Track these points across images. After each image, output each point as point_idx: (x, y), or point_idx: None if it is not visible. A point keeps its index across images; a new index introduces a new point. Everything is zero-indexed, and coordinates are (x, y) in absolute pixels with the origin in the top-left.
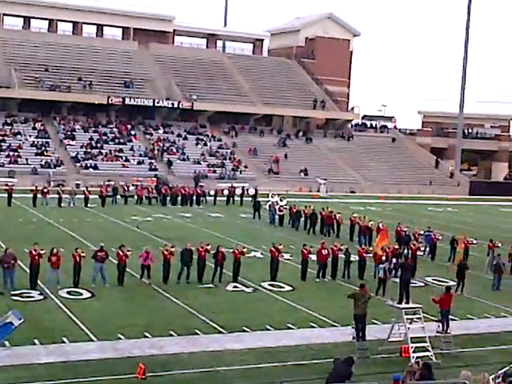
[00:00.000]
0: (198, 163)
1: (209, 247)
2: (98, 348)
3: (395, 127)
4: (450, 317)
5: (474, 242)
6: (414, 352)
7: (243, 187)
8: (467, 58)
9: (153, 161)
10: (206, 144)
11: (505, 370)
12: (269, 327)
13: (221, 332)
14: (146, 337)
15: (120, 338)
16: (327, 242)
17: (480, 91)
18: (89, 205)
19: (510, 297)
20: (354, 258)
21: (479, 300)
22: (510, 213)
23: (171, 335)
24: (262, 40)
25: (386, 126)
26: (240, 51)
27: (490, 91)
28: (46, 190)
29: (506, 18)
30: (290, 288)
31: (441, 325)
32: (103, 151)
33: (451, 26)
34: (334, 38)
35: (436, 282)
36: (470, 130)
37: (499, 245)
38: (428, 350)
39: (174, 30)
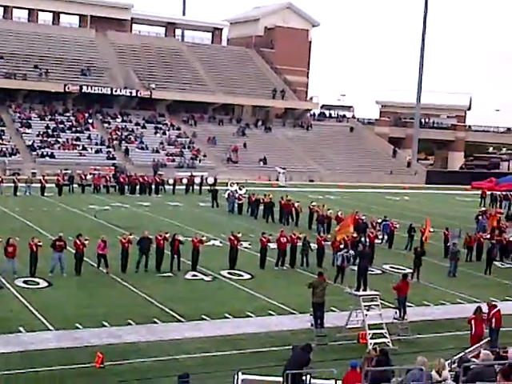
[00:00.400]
0: (157, 152)
1: (167, 235)
2: (55, 337)
3: (354, 117)
4: (407, 303)
5: (431, 230)
6: (371, 338)
7: (202, 176)
8: (424, 49)
9: (111, 149)
10: (164, 133)
11: (460, 355)
12: (228, 315)
13: (180, 321)
14: (104, 326)
15: (78, 328)
16: (286, 230)
17: (437, 82)
18: (45, 194)
19: (465, 283)
20: (313, 246)
21: (435, 287)
22: (466, 201)
23: (129, 324)
24: (221, 29)
25: (344, 116)
26: (199, 40)
27: (447, 82)
28: (0, 179)
29: (462, 10)
30: (249, 276)
31: (398, 311)
32: (60, 140)
33: (409, 16)
34: (293, 27)
35: (393, 269)
36: (426, 120)
37: (455, 232)
38: (385, 337)
39: (132, 18)
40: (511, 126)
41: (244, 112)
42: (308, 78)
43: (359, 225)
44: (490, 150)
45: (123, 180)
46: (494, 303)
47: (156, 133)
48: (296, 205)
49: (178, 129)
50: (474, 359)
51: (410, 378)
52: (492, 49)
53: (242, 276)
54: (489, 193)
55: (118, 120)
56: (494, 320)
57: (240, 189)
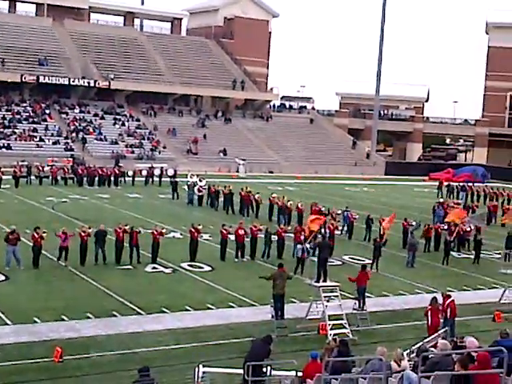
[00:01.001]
0: (116, 143)
1: (127, 228)
2: (13, 332)
3: (313, 108)
4: (366, 294)
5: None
6: (331, 329)
7: (162, 168)
8: (383, 41)
9: (68, 141)
10: (123, 124)
11: (418, 345)
12: (188, 308)
13: (139, 313)
14: (62, 320)
15: (36, 322)
16: (246, 222)
17: (396, 73)
18: (2, 186)
19: (423, 274)
20: (274, 237)
21: (394, 277)
22: (424, 192)
23: (88, 318)
24: (181, 19)
25: (304, 107)
26: (158, 30)
27: (405, 73)
28: None
29: (421, 1)
30: (210, 268)
31: (357, 302)
32: (17, 131)
33: (368, 8)
34: (253, 18)
35: (353, 260)
36: (385, 112)
37: (413, 223)
38: (345, 327)
39: (90, 7)
40: (468, 118)
41: (204, 103)
42: (268, 68)
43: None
44: (448, 141)
45: (81, 172)
46: (448, 293)
47: (115, 124)
48: (256, 196)
49: (138, 120)
50: (432, 349)
51: (370, 368)
52: (449, 41)
53: (202, 268)
54: (446, 184)
55: (76, 111)
56: (448, 310)
57: (200, 180)
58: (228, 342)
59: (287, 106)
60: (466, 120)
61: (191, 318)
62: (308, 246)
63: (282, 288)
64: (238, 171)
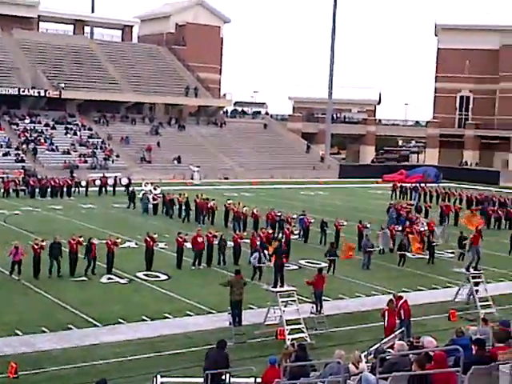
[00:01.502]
0: (68, 153)
1: (81, 239)
2: None
3: (267, 113)
4: (323, 297)
5: (345, 223)
6: (289, 334)
7: (116, 177)
8: (335, 45)
9: (19, 152)
10: (75, 133)
11: (376, 346)
12: (145, 318)
13: (96, 325)
14: (17, 334)
15: None
16: (202, 229)
17: (347, 77)
18: None
19: (379, 275)
20: (230, 244)
21: (350, 280)
22: (378, 194)
23: (43, 331)
24: (132, 26)
25: (258, 112)
26: (109, 38)
27: (357, 77)
28: None
29: (371, 6)
30: (166, 277)
31: (314, 306)
32: None
33: (319, 12)
34: (205, 24)
35: (309, 264)
36: (338, 115)
37: (368, 225)
38: (303, 332)
39: (39, 16)
40: (419, 119)
41: (157, 110)
42: (221, 74)
43: (275, 222)
44: (400, 142)
45: (33, 183)
46: (399, 295)
47: (66, 133)
48: (212, 203)
49: (90, 129)
50: (389, 350)
51: (328, 372)
52: (399, 44)
53: (158, 277)
54: (399, 185)
55: (27, 121)
56: (402, 311)
57: (155, 189)
58: (186, 351)
59: (241, 112)
60: (417, 122)
61: (148, 328)
62: (267, 252)
63: (239, 294)
64: (192, 178)
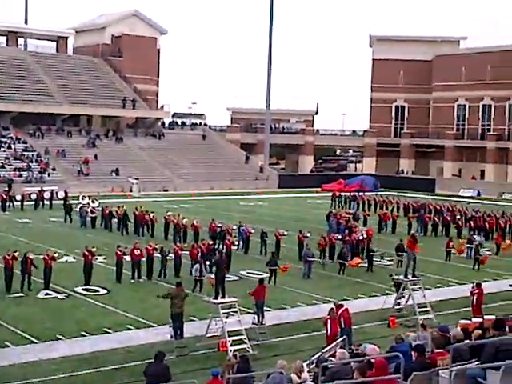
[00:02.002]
0: (2, 167)
1: (16, 254)
2: None
3: (205, 124)
4: (265, 308)
5: (285, 233)
6: (231, 345)
7: (52, 190)
8: (272, 55)
9: None
10: (10, 147)
11: (317, 355)
12: (84, 333)
13: (33, 342)
14: None
15: None
16: (141, 241)
17: (285, 88)
18: None
19: (320, 284)
20: (170, 256)
21: (291, 289)
22: (317, 203)
23: None
24: (67, 38)
25: (196, 124)
26: (43, 49)
27: (295, 87)
28: None
29: (308, 17)
30: (105, 291)
31: (256, 316)
32: None
33: (256, 23)
34: (141, 35)
35: (250, 274)
36: (277, 125)
37: (308, 235)
38: (245, 343)
39: None
40: (356, 129)
41: (93, 123)
42: (158, 86)
43: (216, 233)
44: (338, 152)
45: None
46: (340, 303)
47: (0, 147)
48: (151, 215)
49: (25, 142)
50: (331, 358)
51: (271, 382)
52: (336, 55)
53: (97, 291)
54: (338, 194)
55: None
56: (342, 319)
57: (93, 202)
58: (127, 366)
59: (179, 123)
60: (354, 131)
61: (88, 344)
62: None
63: (180, 307)
64: (131, 191)
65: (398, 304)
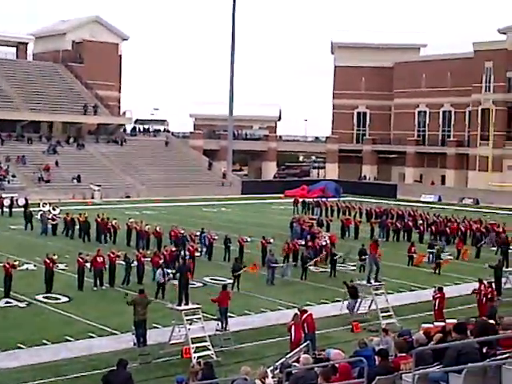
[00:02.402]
0: None
1: None
2: None
3: (168, 130)
4: (229, 314)
5: (249, 239)
6: (195, 352)
7: (12, 197)
8: (234, 62)
9: None
10: None
11: (281, 361)
12: (46, 341)
13: None
14: None
15: None
16: (104, 249)
17: (248, 94)
18: None
19: (283, 290)
20: (133, 263)
21: (255, 295)
22: (280, 209)
23: None
24: (26, 43)
25: (158, 130)
26: (2, 55)
27: (258, 94)
28: None
29: (270, 23)
30: (67, 299)
31: (220, 323)
32: None
33: (218, 29)
34: (102, 41)
35: (214, 281)
36: (239, 132)
37: (271, 241)
38: (209, 349)
39: None
40: (319, 135)
41: (54, 129)
42: (120, 92)
43: (178, 239)
44: (301, 158)
45: None
46: (304, 308)
47: None
48: (113, 222)
49: None
50: (295, 364)
51: None
52: (299, 62)
53: (59, 299)
54: (301, 200)
55: None
56: (306, 325)
57: (54, 209)
58: (90, 374)
59: (141, 130)
60: (317, 137)
61: (49, 353)
62: (169, 270)
63: (143, 314)
64: (93, 197)
65: (352, 310)
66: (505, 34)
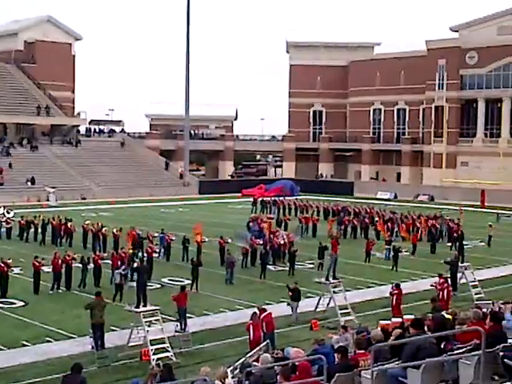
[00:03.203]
0: None
1: None
2: None
3: (124, 131)
4: (188, 315)
5: (206, 239)
6: (154, 354)
7: None
8: (190, 61)
9: None
10: None
11: (241, 361)
12: (1, 347)
13: None
14: None
15: None
16: (60, 251)
17: (204, 94)
18: None
19: (242, 289)
20: (90, 265)
21: (214, 295)
22: (238, 209)
23: None
24: None
25: (114, 131)
26: None
27: (214, 93)
28: None
29: (225, 22)
30: (23, 303)
31: (179, 324)
32: None
33: (174, 29)
34: (55, 41)
35: (172, 282)
36: (196, 132)
37: (229, 240)
38: (168, 351)
39: None
40: (276, 134)
41: (7, 131)
42: (74, 93)
43: (136, 240)
44: (258, 157)
45: None
46: (263, 307)
47: None
48: (69, 224)
49: None
50: (254, 363)
51: None
52: (255, 60)
53: (14, 304)
54: (259, 199)
55: None
56: (265, 324)
57: (8, 212)
58: (48, 379)
59: (96, 130)
60: (273, 136)
61: (5, 358)
62: (122, 271)
63: (100, 317)
64: (48, 200)
65: (295, 312)
66: (457, 31)
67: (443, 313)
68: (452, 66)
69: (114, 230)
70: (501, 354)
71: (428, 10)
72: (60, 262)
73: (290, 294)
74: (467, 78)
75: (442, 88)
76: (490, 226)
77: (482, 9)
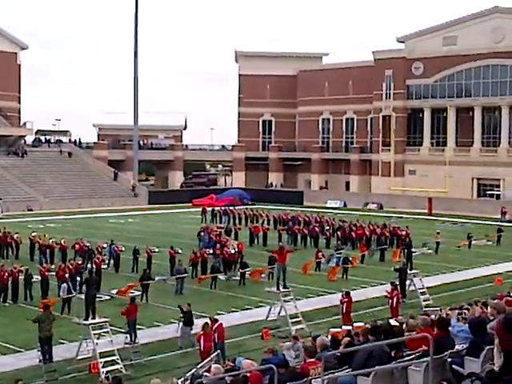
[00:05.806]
0: None
1: None
2: None
3: (71, 141)
4: (137, 326)
5: (156, 250)
6: (103, 367)
7: None
8: (138, 70)
9: None
10: None
11: (192, 371)
12: None
13: None
14: None
15: None
16: (6, 264)
17: (153, 103)
18: None
19: (193, 300)
20: (37, 278)
21: (164, 306)
22: (188, 219)
23: None
24: None
25: (61, 141)
26: None
27: (162, 103)
28: None
29: (174, 30)
30: None
31: (129, 335)
32: None
33: (121, 37)
34: (0, 51)
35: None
36: (145, 141)
37: (180, 251)
38: (118, 363)
39: None
40: (225, 144)
41: None
42: (20, 103)
43: (84, 252)
44: (208, 167)
45: None
46: (215, 318)
47: None
48: (15, 236)
49: None
50: (206, 374)
51: None
52: (203, 70)
53: None
54: (209, 209)
55: None
56: (216, 334)
57: None
58: None
59: (43, 141)
60: (223, 146)
61: None
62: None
63: (48, 330)
64: None
65: (187, 337)
66: (403, 42)
67: (391, 320)
68: (398, 76)
69: (62, 242)
70: (449, 360)
71: (375, 21)
72: (6, 274)
73: (181, 315)
74: (413, 88)
75: (389, 98)
76: (438, 233)
77: (428, 20)
